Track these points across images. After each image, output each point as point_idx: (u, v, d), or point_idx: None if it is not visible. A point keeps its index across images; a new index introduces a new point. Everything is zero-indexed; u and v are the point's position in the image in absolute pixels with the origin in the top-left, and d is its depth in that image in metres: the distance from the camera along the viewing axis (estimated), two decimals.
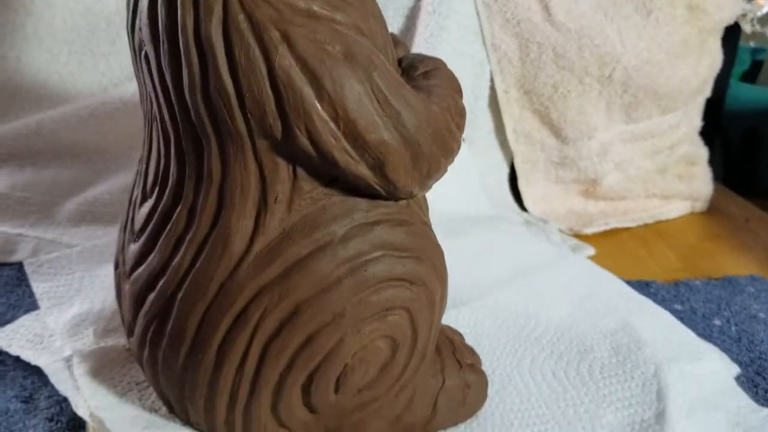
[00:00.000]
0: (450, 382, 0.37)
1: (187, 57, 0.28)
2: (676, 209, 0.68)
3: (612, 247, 0.62)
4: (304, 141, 0.29)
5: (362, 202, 0.31)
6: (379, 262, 0.31)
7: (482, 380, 0.39)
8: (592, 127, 0.62)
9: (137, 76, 0.34)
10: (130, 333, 0.35)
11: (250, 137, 0.29)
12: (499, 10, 0.59)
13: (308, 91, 0.28)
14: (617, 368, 0.43)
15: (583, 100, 0.61)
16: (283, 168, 0.30)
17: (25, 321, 0.44)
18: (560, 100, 0.61)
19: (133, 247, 0.33)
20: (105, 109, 0.63)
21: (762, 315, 0.51)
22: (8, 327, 0.44)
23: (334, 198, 0.31)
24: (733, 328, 0.49)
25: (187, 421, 0.35)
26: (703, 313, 0.51)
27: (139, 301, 0.33)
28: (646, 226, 0.67)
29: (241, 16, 0.27)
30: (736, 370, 0.44)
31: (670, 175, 0.67)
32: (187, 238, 0.31)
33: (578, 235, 0.63)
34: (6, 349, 0.42)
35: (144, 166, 0.34)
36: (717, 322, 0.50)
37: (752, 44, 0.97)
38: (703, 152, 0.70)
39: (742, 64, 0.98)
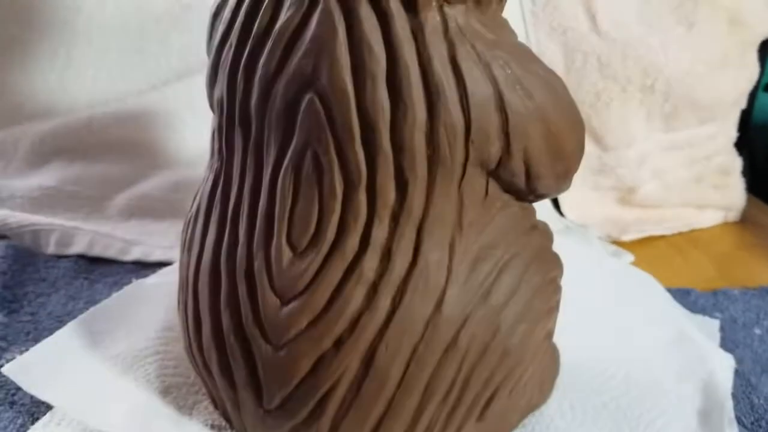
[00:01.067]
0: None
1: (408, 95, 0.27)
2: (709, 218, 0.69)
3: (649, 254, 0.63)
4: (519, 162, 0.29)
5: (519, 210, 0.32)
6: (542, 265, 0.33)
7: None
8: (632, 135, 0.63)
9: (248, 126, 0.31)
10: (271, 404, 0.32)
11: (464, 166, 0.29)
12: (545, 18, 0.60)
13: (527, 112, 0.29)
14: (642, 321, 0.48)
15: (625, 109, 0.62)
16: (479, 191, 0.30)
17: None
18: (603, 108, 0.62)
19: (288, 311, 0.30)
20: (155, 107, 0.64)
21: None
22: None
23: (505, 211, 0.31)
24: None
25: None
26: (743, 323, 0.52)
27: (302, 368, 0.30)
28: (681, 234, 0.68)
29: (468, 48, 0.28)
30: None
31: (705, 184, 0.68)
32: (383, 282, 0.29)
33: (616, 242, 0.64)
34: None
35: (267, 218, 0.31)
36: (757, 331, 0.51)
37: None
38: (737, 163, 0.71)
39: (766, 75, 0.99)
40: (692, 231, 0.69)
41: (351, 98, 0.28)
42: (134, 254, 0.55)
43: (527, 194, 0.32)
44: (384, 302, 0.29)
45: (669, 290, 0.55)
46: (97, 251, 0.55)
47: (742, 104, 0.69)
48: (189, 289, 0.35)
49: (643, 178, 0.65)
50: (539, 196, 0.32)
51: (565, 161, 0.31)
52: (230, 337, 0.32)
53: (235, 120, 0.32)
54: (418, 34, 0.27)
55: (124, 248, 0.55)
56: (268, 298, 0.31)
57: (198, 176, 0.62)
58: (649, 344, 0.46)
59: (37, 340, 0.43)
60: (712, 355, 0.45)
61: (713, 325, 0.50)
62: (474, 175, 0.29)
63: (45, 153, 0.63)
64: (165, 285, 0.47)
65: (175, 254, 0.54)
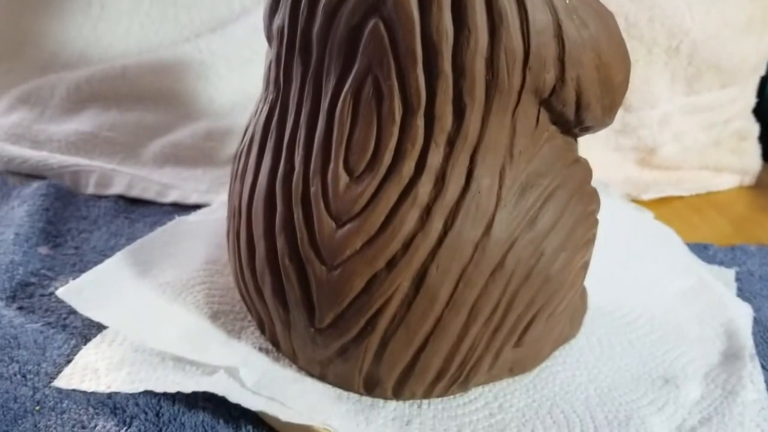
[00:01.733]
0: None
1: (473, 21, 0.29)
2: (726, 182, 0.71)
3: (667, 213, 0.65)
4: (571, 90, 0.31)
5: (563, 143, 0.34)
6: (583, 197, 0.35)
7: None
8: (656, 96, 0.64)
9: (309, 54, 0.32)
10: (323, 323, 0.33)
11: (519, 93, 0.30)
12: None
13: (582, 42, 0.30)
14: (664, 269, 0.50)
15: (650, 70, 0.63)
16: (531, 120, 0.31)
17: (94, 353, 0.38)
18: None
19: (344, 233, 0.32)
20: (188, 58, 0.65)
21: None
22: (70, 370, 0.37)
23: (552, 142, 0.33)
24: None
25: (391, 398, 0.36)
26: (760, 275, 0.54)
27: (355, 287, 0.32)
28: (698, 195, 0.69)
29: None
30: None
31: (723, 148, 0.70)
32: (437, 205, 0.31)
33: (635, 201, 0.66)
34: (127, 389, 0.35)
35: (324, 144, 0.32)
36: None
37: None
38: (755, 128, 0.72)
39: None
40: (709, 193, 0.70)
41: (416, 23, 0.29)
42: (172, 197, 0.56)
43: (574, 126, 0.33)
44: (437, 224, 0.31)
45: (688, 245, 0.57)
46: (135, 193, 0.56)
47: (762, 71, 0.70)
48: (242, 217, 0.36)
49: (663, 140, 0.66)
50: (584, 129, 0.34)
51: (612, 93, 0.32)
52: (285, 260, 0.34)
53: (295, 48, 0.33)
54: None
55: (161, 191, 0.57)
56: (324, 221, 0.32)
57: (230, 125, 0.64)
58: (672, 291, 0.48)
59: (83, 271, 0.44)
60: (731, 302, 0.47)
61: (729, 274, 0.52)
62: (527, 102, 0.31)
63: (81, 100, 0.65)
64: (206, 222, 0.49)
65: (211, 198, 0.55)
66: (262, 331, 0.39)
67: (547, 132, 0.33)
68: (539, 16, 0.29)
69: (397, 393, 0.35)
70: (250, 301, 0.38)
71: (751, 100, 0.71)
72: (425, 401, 0.36)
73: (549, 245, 0.33)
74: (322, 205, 0.33)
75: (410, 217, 0.31)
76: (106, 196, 0.56)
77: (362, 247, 0.32)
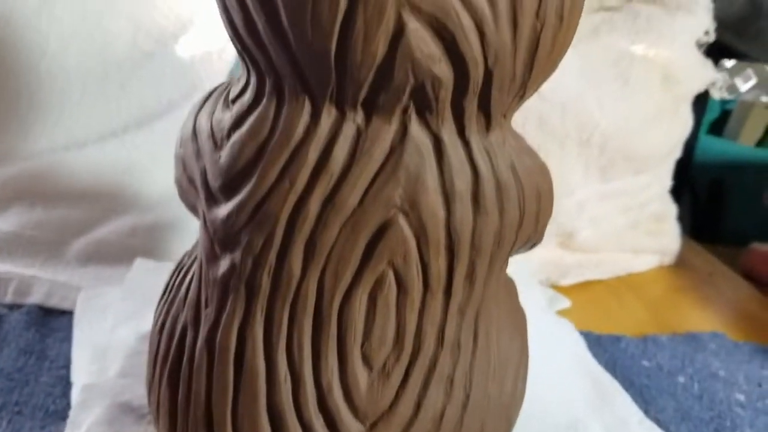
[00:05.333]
0: None
1: (490, 206, 0.30)
2: (645, 262, 0.73)
3: (586, 298, 0.67)
4: (539, 237, 0.34)
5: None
6: (521, 313, 0.38)
7: None
8: (571, 186, 0.67)
9: (311, 260, 0.29)
10: None
11: (509, 252, 0.33)
12: None
13: (549, 195, 0.33)
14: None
15: (563, 163, 0.65)
16: (506, 266, 0.35)
17: None
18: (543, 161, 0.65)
19: None
20: (114, 153, 0.66)
21: (722, 373, 0.55)
22: None
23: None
24: (696, 385, 0.54)
25: None
26: (668, 370, 0.55)
27: None
28: (618, 278, 0.71)
29: (516, 153, 0.31)
30: None
31: (640, 231, 0.72)
32: (456, 373, 0.32)
33: (554, 286, 0.68)
34: None
35: (337, 345, 0.30)
36: (681, 379, 0.54)
37: None
38: (671, 210, 0.75)
39: (712, 112, 1.04)
40: (629, 275, 0.73)
41: (441, 219, 0.29)
42: None
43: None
44: (458, 392, 0.32)
45: (601, 337, 0.59)
46: (54, 302, 0.56)
47: (676, 154, 0.73)
48: None
49: (581, 225, 0.68)
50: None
51: (543, 233, 0.34)
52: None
53: (270, 262, 0.30)
54: (489, 149, 0.30)
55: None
56: (351, 427, 0.31)
57: (154, 220, 0.64)
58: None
59: None
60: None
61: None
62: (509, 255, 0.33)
63: (6, 198, 0.64)
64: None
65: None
66: None
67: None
68: (529, 184, 0.31)
69: None
70: None
71: (666, 182, 0.74)
72: None
73: (522, 371, 0.36)
74: (346, 410, 0.31)
75: (437, 394, 0.31)
76: (20, 306, 0.56)
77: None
